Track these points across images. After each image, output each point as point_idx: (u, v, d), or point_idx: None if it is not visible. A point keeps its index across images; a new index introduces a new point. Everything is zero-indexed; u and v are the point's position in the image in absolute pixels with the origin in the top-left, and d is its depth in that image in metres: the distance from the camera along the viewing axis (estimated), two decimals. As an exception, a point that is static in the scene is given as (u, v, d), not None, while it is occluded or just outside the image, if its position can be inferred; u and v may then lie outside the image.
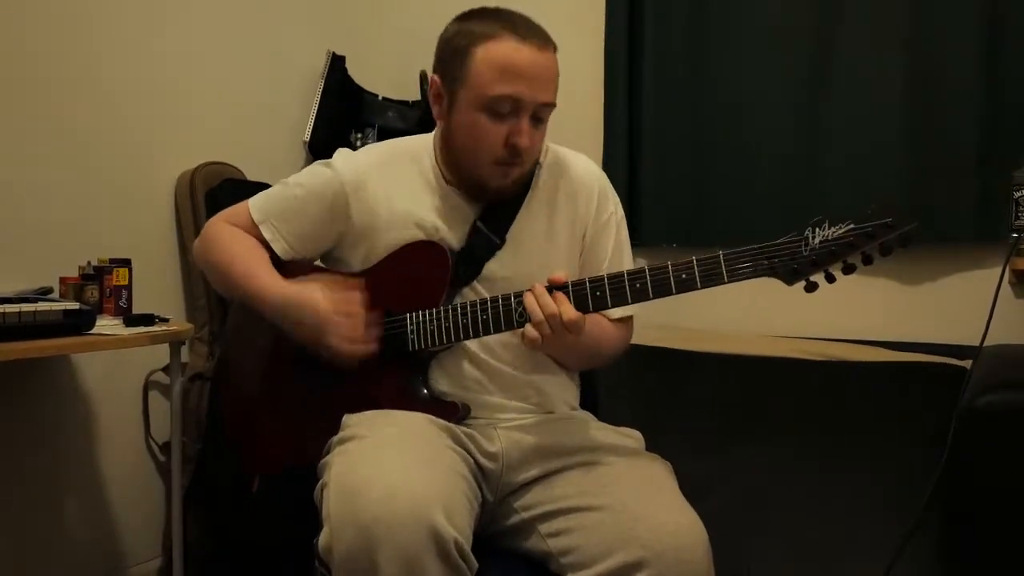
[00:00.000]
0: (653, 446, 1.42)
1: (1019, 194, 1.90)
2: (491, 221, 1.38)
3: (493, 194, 1.36)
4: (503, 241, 1.38)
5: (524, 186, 1.40)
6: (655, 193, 2.41)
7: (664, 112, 2.39)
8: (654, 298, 1.20)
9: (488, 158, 1.31)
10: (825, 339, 2.14)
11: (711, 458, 1.72)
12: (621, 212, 1.49)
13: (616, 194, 1.50)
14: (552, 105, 1.31)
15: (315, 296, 1.30)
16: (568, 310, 1.20)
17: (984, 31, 2.03)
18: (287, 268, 1.45)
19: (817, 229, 1.13)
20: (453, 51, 1.30)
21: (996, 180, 1.99)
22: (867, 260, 1.13)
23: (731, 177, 2.32)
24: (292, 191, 1.44)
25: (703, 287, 1.17)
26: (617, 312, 1.41)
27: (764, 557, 1.46)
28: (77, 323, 1.67)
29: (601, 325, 1.40)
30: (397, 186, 1.40)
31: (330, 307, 1.29)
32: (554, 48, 1.30)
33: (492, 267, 1.38)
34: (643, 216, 2.42)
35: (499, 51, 1.26)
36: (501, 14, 1.31)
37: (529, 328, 1.22)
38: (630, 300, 1.20)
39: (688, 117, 2.37)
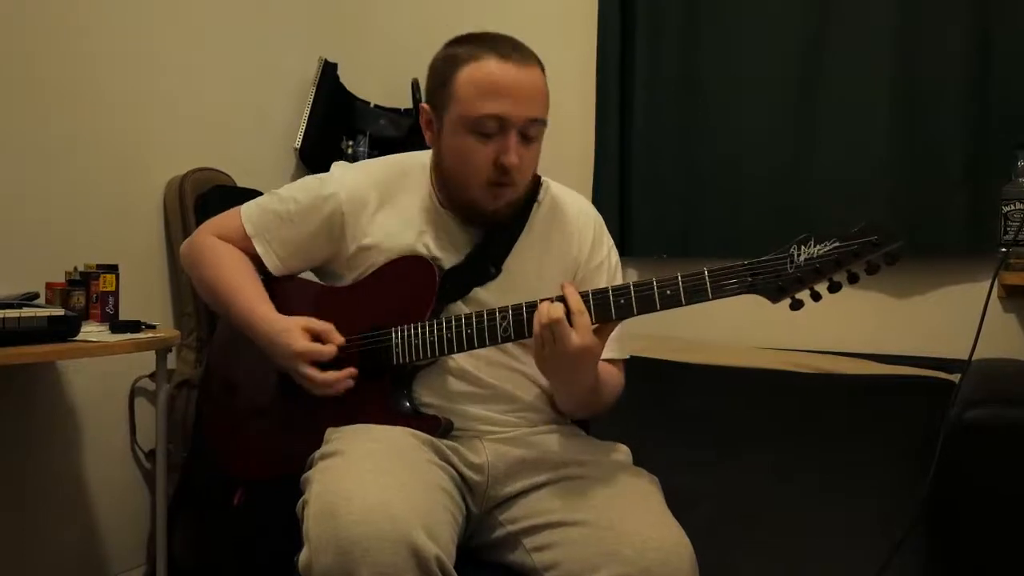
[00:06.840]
0: (642, 458, 1.41)
1: (1008, 208, 1.91)
2: (490, 250, 1.38)
3: (487, 219, 1.35)
4: (499, 271, 1.37)
5: (521, 219, 1.40)
6: (646, 204, 2.40)
7: (655, 124, 2.39)
8: (638, 314, 1.19)
9: (478, 180, 1.30)
10: (814, 351, 2.14)
11: (700, 470, 1.72)
12: (616, 258, 1.48)
13: (611, 239, 1.49)
14: (541, 121, 1.30)
15: (294, 338, 1.32)
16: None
17: (974, 43, 2.04)
18: (276, 279, 1.45)
19: (802, 246, 1.12)
20: (439, 78, 1.31)
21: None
22: (853, 278, 1.12)
23: (721, 188, 2.32)
24: (286, 206, 1.43)
25: (687, 303, 1.16)
26: (608, 352, 1.35)
27: (752, 570, 1.45)
28: (62, 329, 1.65)
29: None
30: (394, 210, 1.40)
31: (306, 350, 1.31)
32: (540, 66, 1.30)
33: (481, 294, 1.37)
34: (634, 227, 2.41)
35: (480, 71, 1.26)
36: (485, 38, 1.30)
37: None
38: (614, 315, 1.19)
39: (678, 129, 2.37)
